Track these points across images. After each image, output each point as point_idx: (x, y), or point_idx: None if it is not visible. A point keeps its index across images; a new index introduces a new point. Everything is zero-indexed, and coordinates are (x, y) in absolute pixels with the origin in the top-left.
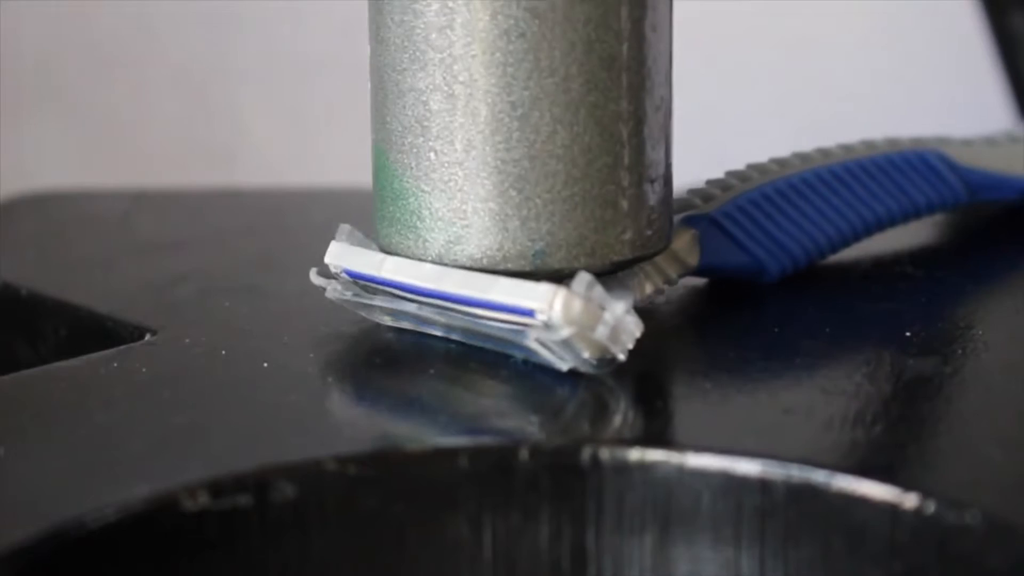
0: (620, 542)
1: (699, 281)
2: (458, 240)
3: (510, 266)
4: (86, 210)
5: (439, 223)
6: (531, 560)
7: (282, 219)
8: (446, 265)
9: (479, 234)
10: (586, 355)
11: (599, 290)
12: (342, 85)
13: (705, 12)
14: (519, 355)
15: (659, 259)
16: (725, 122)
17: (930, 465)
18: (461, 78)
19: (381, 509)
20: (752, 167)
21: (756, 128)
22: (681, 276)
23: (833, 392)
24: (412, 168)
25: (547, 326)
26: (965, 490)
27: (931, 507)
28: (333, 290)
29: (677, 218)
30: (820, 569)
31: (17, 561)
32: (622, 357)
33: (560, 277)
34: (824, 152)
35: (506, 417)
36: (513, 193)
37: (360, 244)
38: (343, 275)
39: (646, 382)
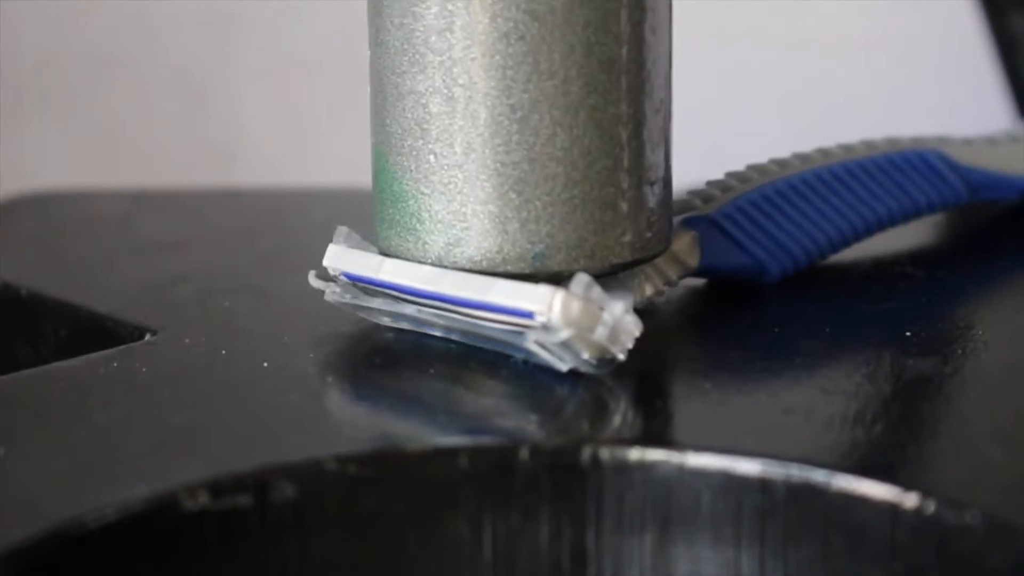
0: (620, 542)
1: (699, 281)
2: (458, 242)
3: (510, 268)
4: (86, 210)
5: (439, 225)
6: (531, 560)
7: (282, 219)
8: (446, 267)
9: (479, 236)
10: (585, 356)
11: (597, 291)
12: (342, 85)
13: (705, 12)
14: (519, 355)
15: (659, 261)
16: (725, 122)
17: (930, 465)
18: (461, 81)
19: (381, 509)
20: (752, 168)
21: (756, 128)
22: (681, 277)
23: (833, 392)
24: (412, 171)
25: (546, 328)
26: (965, 490)
27: (931, 507)
28: (332, 293)
29: (677, 219)
30: (820, 569)
31: (17, 561)
32: (622, 357)
33: (559, 279)
34: (824, 152)
35: (506, 417)
36: (513, 196)
37: (358, 246)
38: (342, 278)
39: (646, 382)
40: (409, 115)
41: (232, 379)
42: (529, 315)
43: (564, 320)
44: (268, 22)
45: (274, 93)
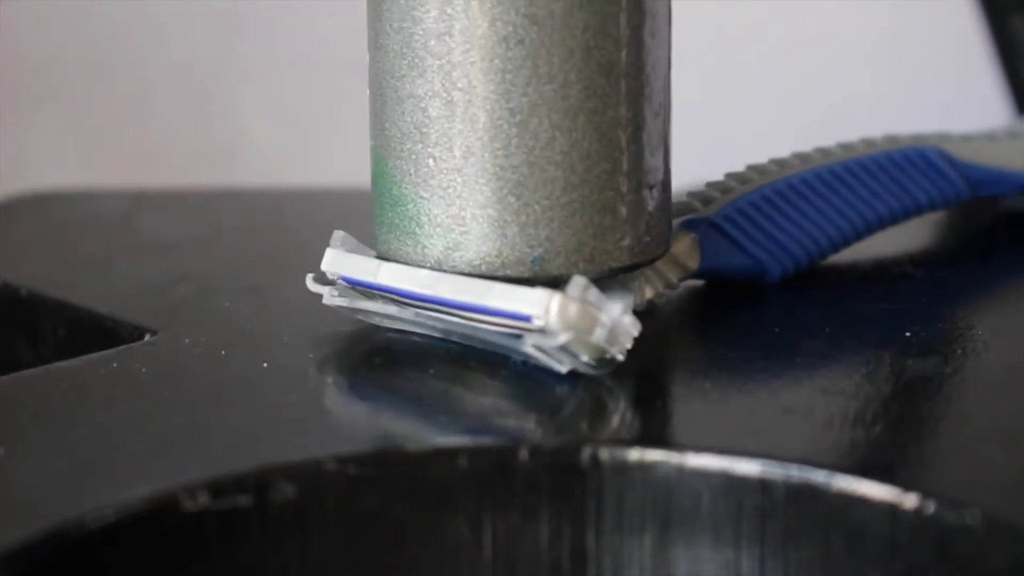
0: (620, 542)
1: (698, 281)
2: (457, 246)
3: (509, 272)
4: (86, 210)
5: (438, 229)
6: (531, 560)
7: (282, 219)
8: (445, 271)
9: (478, 240)
10: (584, 358)
11: (594, 292)
12: (342, 85)
13: (704, 13)
14: (518, 357)
15: (659, 263)
16: (725, 122)
17: (930, 465)
18: (460, 84)
19: (381, 509)
20: (751, 168)
21: (756, 128)
22: (682, 280)
23: (833, 392)
24: (411, 174)
25: (543, 331)
26: (965, 490)
27: (931, 507)
28: (330, 296)
29: (677, 222)
30: (820, 569)
31: (17, 561)
32: (620, 358)
33: (558, 283)
34: (824, 152)
35: (506, 417)
36: (512, 199)
37: (355, 249)
38: (340, 281)
39: (646, 382)
40: (408, 119)
41: (232, 379)
42: (526, 319)
43: (561, 323)
44: (268, 22)
45: (274, 93)
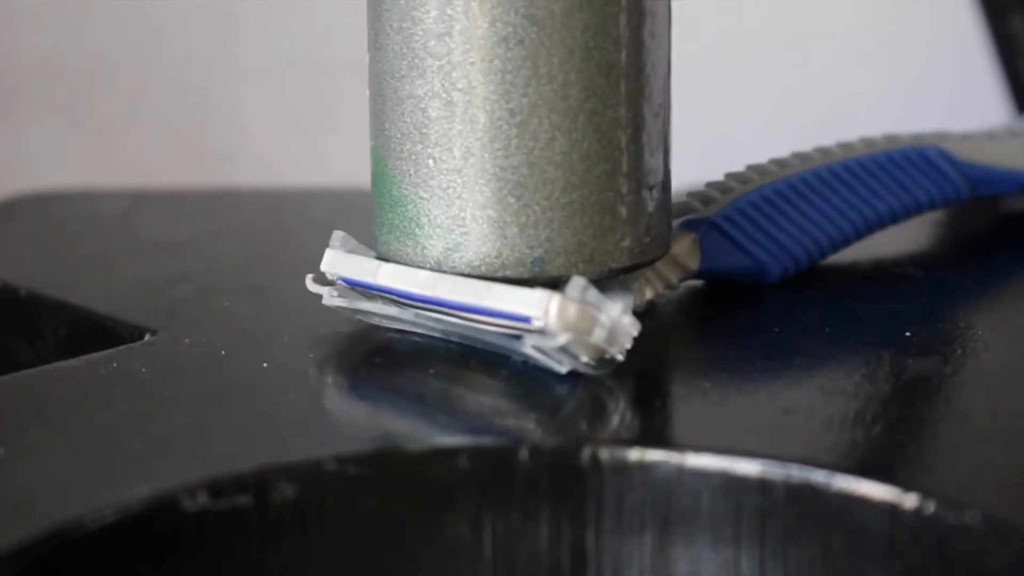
0: (620, 542)
1: (698, 281)
2: (456, 247)
3: (508, 273)
4: (86, 210)
5: (437, 230)
6: (531, 560)
7: (282, 219)
8: (444, 272)
9: (477, 241)
10: (584, 358)
11: (594, 293)
12: (342, 86)
13: (704, 13)
14: (518, 357)
15: (659, 264)
16: (725, 122)
17: (930, 465)
18: (460, 85)
19: (381, 509)
20: (751, 168)
21: (756, 128)
22: (682, 280)
23: (833, 392)
24: (411, 175)
25: (543, 332)
26: (965, 490)
27: (931, 507)
28: (330, 296)
29: (677, 222)
30: (820, 569)
31: (17, 561)
32: (620, 358)
33: (558, 284)
34: (824, 152)
35: (506, 417)
36: (511, 200)
37: (355, 250)
38: (339, 282)
39: (646, 382)
40: (408, 119)
41: (232, 379)
42: (526, 319)
43: (560, 324)
44: (268, 22)
45: (274, 93)
